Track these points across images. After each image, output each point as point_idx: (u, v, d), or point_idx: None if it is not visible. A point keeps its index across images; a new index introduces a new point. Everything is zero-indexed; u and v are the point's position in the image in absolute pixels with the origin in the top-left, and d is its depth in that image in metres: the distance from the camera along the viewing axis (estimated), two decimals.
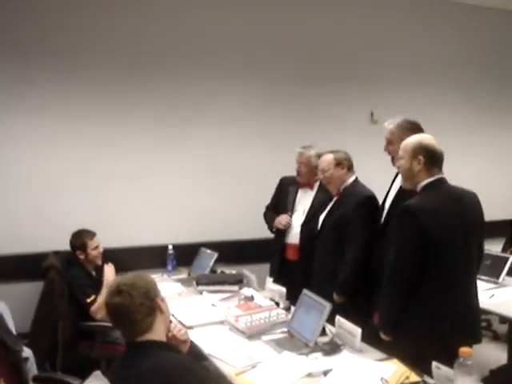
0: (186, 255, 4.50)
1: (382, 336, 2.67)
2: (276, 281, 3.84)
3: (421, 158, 2.59)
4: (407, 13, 5.54)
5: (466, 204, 2.59)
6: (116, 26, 4.47)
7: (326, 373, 2.43)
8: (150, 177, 4.63)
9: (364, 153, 4.26)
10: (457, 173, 5.59)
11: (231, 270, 4.31)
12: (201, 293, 3.88)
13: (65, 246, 3.99)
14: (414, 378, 2.32)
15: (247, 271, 4.06)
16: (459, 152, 5.73)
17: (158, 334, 2.01)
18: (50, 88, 4.31)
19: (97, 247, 3.96)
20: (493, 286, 3.91)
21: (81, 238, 3.92)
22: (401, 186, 3.06)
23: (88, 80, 4.41)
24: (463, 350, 2.01)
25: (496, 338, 4.95)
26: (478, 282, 3.85)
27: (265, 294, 3.67)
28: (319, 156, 3.87)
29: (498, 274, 3.96)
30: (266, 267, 4.31)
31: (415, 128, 3.19)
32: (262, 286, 3.88)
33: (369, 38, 5.37)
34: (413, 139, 2.67)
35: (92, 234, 3.96)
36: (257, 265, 4.40)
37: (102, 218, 4.37)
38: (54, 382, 2.79)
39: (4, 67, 4.15)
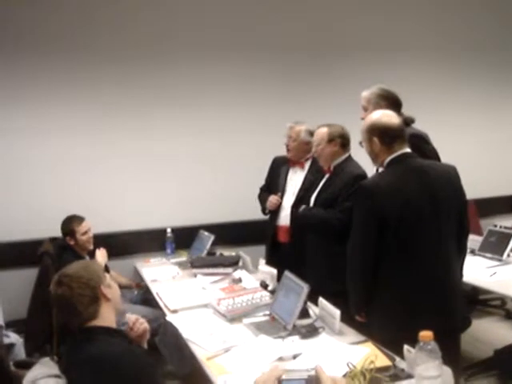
0: (185, 238, 4.50)
1: (357, 318, 2.58)
2: (269, 263, 3.77)
3: (375, 139, 2.48)
4: None
5: (432, 178, 2.45)
6: (106, 18, 4.44)
7: (295, 356, 2.37)
8: (148, 161, 4.61)
9: None
10: (464, 149, 5.56)
11: (231, 252, 4.27)
12: (195, 275, 3.85)
13: (60, 232, 4.00)
14: (384, 361, 2.23)
15: (243, 253, 4.01)
16: (458, 126, 5.58)
17: (105, 320, 1.99)
18: (40, 78, 4.31)
19: (86, 232, 3.95)
20: (496, 263, 3.76)
21: (69, 224, 3.93)
22: None
23: (75, 67, 4.38)
24: (423, 333, 1.91)
25: (509, 317, 4.78)
26: (481, 260, 3.82)
27: (258, 275, 3.62)
28: (310, 132, 3.77)
29: (502, 251, 3.81)
30: (264, 249, 4.25)
31: (389, 96, 3.12)
32: (257, 267, 3.82)
33: (375, 16, 5.23)
34: (365, 122, 2.56)
35: (80, 220, 3.96)
36: (257, 246, 4.34)
37: (99, 204, 4.39)
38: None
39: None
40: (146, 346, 2.25)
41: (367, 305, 2.50)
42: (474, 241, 4.11)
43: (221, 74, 4.78)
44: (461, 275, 2.62)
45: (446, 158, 5.31)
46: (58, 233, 4.02)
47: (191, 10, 4.67)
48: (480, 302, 4.91)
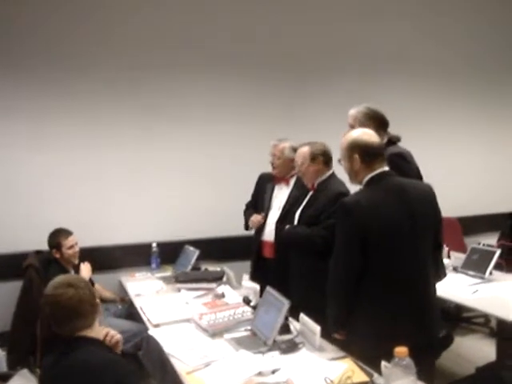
0: (171, 253, 4.51)
1: (335, 336, 2.59)
2: (253, 278, 3.79)
3: (356, 156, 2.51)
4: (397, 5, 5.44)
5: (410, 196, 2.48)
6: (106, 30, 4.50)
7: (274, 371, 2.38)
8: (135, 176, 4.63)
9: None
10: (453, 167, 5.61)
11: (216, 268, 4.28)
12: (179, 290, 3.86)
13: (46, 245, 4.00)
14: (362, 377, 2.25)
15: (227, 269, 4.02)
16: (457, 146, 5.65)
17: (95, 331, 2.05)
18: (31, 92, 4.33)
19: (72, 246, 3.96)
20: (479, 281, 3.78)
21: (56, 238, 3.93)
22: None
23: (72, 80, 4.42)
24: (398, 349, 1.94)
25: (492, 335, 4.80)
26: (464, 277, 3.83)
27: (241, 291, 3.63)
28: (294, 149, 3.80)
29: (484, 269, 3.83)
30: (249, 265, 4.26)
31: (375, 116, 3.17)
32: (241, 283, 3.83)
33: (365, 31, 5.33)
34: (346, 139, 2.58)
35: (67, 234, 3.96)
36: (242, 262, 4.35)
37: (86, 217, 4.40)
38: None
39: None
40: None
41: (346, 321, 2.51)
42: (457, 258, 4.16)
43: (209, 90, 4.83)
44: (435, 292, 2.64)
45: (432, 176, 5.41)
46: (43, 246, 4.02)
47: (186, 26, 4.72)
48: (464, 319, 4.94)
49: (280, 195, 4.07)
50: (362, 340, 2.44)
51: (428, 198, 2.56)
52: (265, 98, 5.01)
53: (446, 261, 4.06)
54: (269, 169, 4.17)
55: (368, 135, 2.56)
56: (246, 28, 4.94)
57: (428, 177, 5.41)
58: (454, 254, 4.26)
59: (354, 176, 2.58)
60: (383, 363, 2.16)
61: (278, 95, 5.05)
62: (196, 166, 4.79)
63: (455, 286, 3.68)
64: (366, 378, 2.25)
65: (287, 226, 3.62)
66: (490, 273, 3.84)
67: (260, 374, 2.39)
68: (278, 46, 5.04)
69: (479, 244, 4.51)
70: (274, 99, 5.02)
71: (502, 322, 3.45)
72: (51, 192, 4.39)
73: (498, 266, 4.07)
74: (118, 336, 2.19)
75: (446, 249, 4.33)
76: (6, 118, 4.27)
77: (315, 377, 2.24)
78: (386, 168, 2.54)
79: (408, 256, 2.43)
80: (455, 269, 4.05)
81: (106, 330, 2.26)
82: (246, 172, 4.48)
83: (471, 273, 3.89)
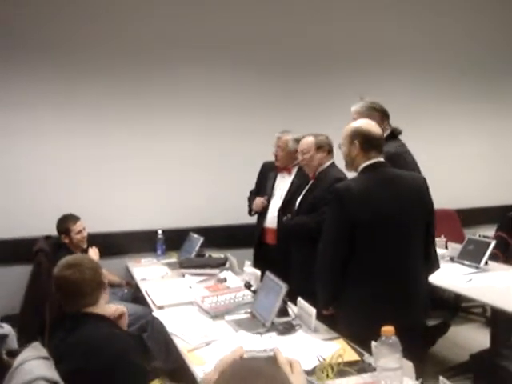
0: (176, 240, 4.64)
1: (324, 312, 2.73)
2: (255, 264, 3.93)
3: (356, 142, 2.62)
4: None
5: (402, 187, 2.60)
6: (106, 23, 4.63)
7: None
8: (141, 163, 4.78)
9: None
10: (453, 160, 5.69)
11: (220, 254, 4.40)
12: (183, 275, 3.99)
13: (55, 231, 4.14)
14: (353, 356, 2.37)
15: (230, 255, 4.15)
16: (458, 138, 5.73)
17: (101, 308, 2.16)
18: (39, 80, 4.49)
19: (80, 231, 4.09)
20: (473, 270, 3.88)
21: (64, 223, 4.07)
22: None
23: (76, 69, 4.56)
24: (385, 328, 2.06)
25: (489, 324, 4.90)
26: (460, 267, 3.94)
27: (243, 276, 3.76)
28: (297, 140, 3.93)
29: (479, 259, 3.93)
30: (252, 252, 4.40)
31: (379, 108, 3.30)
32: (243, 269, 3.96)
33: (358, 23, 5.40)
34: (350, 125, 2.71)
35: (75, 219, 4.10)
36: (245, 249, 4.46)
37: (93, 204, 4.55)
38: None
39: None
40: (125, 329, 2.40)
41: (334, 301, 2.65)
42: (454, 249, 4.26)
43: (212, 81, 4.96)
44: (426, 280, 2.76)
45: (433, 168, 5.50)
46: (52, 231, 4.17)
47: (188, 17, 4.85)
48: (462, 309, 5.05)
49: (282, 184, 4.20)
50: (350, 320, 2.58)
51: (420, 190, 2.67)
52: (266, 90, 5.12)
53: (443, 251, 4.21)
54: (271, 158, 4.30)
55: (371, 125, 2.68)
56: (247, 22, 5.05)
57: (429, 169, 5.52)
58: (451, 244, 4.36)
59: (350, 162, 2.70)
60: (373, 343, 2.27)
61: (280, 87, 5.15)
62: (200, 156, 4.92)
63: (451, 275, 3.78)
64: (357, 357, 2.37)
65: (284, 218, 3.75)
66: (486, 263, 3.93)
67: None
68: (278, 40, 5.14)
69: (478, 235, 4.61)
70: (276, 90, 5.13)
71: (495, 311, 3.57)
72: (59, 179, 4.54)
73: (494, 257, 4.19)
74: (123, 309, 2.32)
75: (443, 239, 4.45)
76: (11, 108, 4.43)
77: (309, 355, 2.36)
78: (382, 159, 2.65)
79: (395, 244, 2.55)
80: (452, 259, 4.15)
81: (111, 305, 2.39)
82: (249, 161, 4.63)
83: (467, 262, 3.99)
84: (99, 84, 4.63)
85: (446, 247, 4.38)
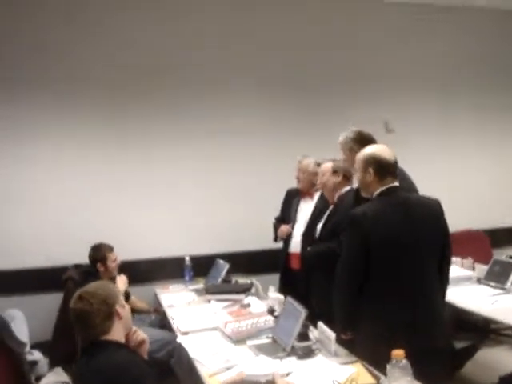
0: (204, 266, 4.72)
1: (342, 336, 2.77)
2: (281, 289, 3.98)
3: (371, 170, 2.68)
4: (414, 18, 5.58)
5: (416, 211, 2.64)
6: (121, 39, 4.79)
7: (288, 374, 2.55)
8: (168, 191, 4.90)
9: None
10: (476, 180, 5.65)
11: (246, 280, 4.46)
12: (209, 301, 4.06)
13: (84, 259, 4.25)
14: (369, 380, 2.40)
15: (255, 281, 4.21)
16: (470, 157, 5.70)
17: (115, 335, 2.24)
18: (66, 109, 4.69)
19: (115, 260, 4.20)
20: (500, 291, 3.85)
21: (101, 251, 4.16)
22: None
23: (98, 96, 4.75)
24: (395, 352, 2.09)
25: None
26: (486, 289, 3.92)
27: (268, 302, 3.82)
28: (318, 164, 4.01)
29: (505, 280, 3.91)
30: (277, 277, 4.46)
31: (362, 139, 3.31)
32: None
33: (377, 49, 5.47)
34: (364, 152, 2.76)
35: (111, 248, 4.21)
36: (271, 275, 4.52)
37: (121, 232, 4.66)
38: None
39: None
40: (145, 356, 2.47)
41: (352, 324, 2.69)
42: (481, 270, 4.24)
43: (239, 105, 5.09)
44: (443, 300, 2.78)
45: (459, 189, 5.48)
46: (81, 260, 4.29)
47: (192, 41, 4.97)
48: (492, 331, 4.97)
49: (305, 209, 4.28)
50: (367, 343, 2.60)
51: (434, 213, 2.71)
52: (293, 117, 5.22)
53: (470, 272, 4.19)
54: (294, 184, 4.38)
55: (384, 151, 2.73)
56: (265, 42, 5.16)
57: (457, 188, 5.53)
58: (478, 265, 4.34)
59: (365, 188, 2.76)
60: (388, 366, 2.30)
61: (304, 114, 5.23)
62: (226, 184, 5.03)
63: (476, 297, 3.77)
64: (373, 381, 2.40)
65: (308, 249, 3.79)
66: (511, 284, 3.91)
67: None
68: (299, 64, 5.25)
69: (504, 256, 4.57)
70: (299, 116, 5.21)
71: None
72: (87, 208, 4.70)
73: None
74: (143, 336, 2.39)
75: (470, 260, 4.43)
76: (35, 139, 4.63)
77: (324, 379, 2.41)
78: (397, 183, 2.70)
79: (409, 267, 2.59)
80: (478, 280, 4.13)
81: (134, 329, 2.47)
82: (273, 188, 4.71)
83: (492, 284, 3.96)
84: (121, 112, 4.81)
85: (474, 269, 4.35)
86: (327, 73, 5.33)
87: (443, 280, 2.77)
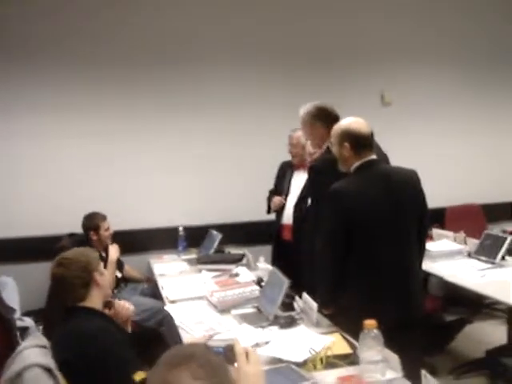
0: (197, 237, 4.75)
1: (323, 311, 2.78)
2: (274, 260, 4.01)
3: (346, 144, 2.66)
4: None
5: (394, 182, 2.63)
6: (116, 23, 4.78)
7: (267, 343, 2.58)
8: (162, 162, 4.92)
9: (376, 136, 4.31)
10: (473, 155, 5.61)
11: (239, 251, 4.49)
12: (200, 271, 4.10)
13: (79, 228, 4.28)
14: (346, 349, 2.43)
15: (247, 252, 4.24)
16: (467, 131, 5.65)
17: (91, 302, 2.28)
18: (59, 82, 4.70)
19: (108, 229, 4.23)
20: (489, 265, 3.84)
21: (94, 220, 4.19)
22: None
23: (97, 75, 4.75)
24: (367, 322, 2.11)
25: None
26: (476, 262, 3.92)
27: (257, 272, 3.84)
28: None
29: (495, 255, 3.89)
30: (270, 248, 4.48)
31: (323, 114, 3.29)
32: None
33: (375, 19, 5.40)
34: (339, 126, 2.74)
35: (104, 217, 4.23)
36: (263, 246, 4.55)
37: (116, 202, 4.69)
38: None
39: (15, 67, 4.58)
40: (129, 329, 2.52)
41: (334, 300, 2.71)
42: (473, 244, 4.23)
43: (231, 83, 5.07)
44: (420, 269, 2.79)
45: (455, 164, 5.46)
46: (75, 229, 4.32)
47: (190, 17, 4.94)
48: (486, 305, 4.99)
49: (298, 180, 4.27)
50: (348, 314, 2.62)
51: (413, 185, 2.71)
52: (285, 87, 5.18)
53: (461, 246, 4.19)
54: (288, 157, 4.37)
55: (360, 124, 2.70)
56: (264, 19, 5.12)
57: (454, 163, 5.50)
58: (470, 239, 4.33)
59: (343, 162, 2.74)
60: (360, 336, 2.32)
61: (297, 86, 5.16)
62: (219, 156, 5.03)
63: (465, 271, 3.76)
64: (349, 350, 2.42)
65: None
66: (503, 258, 3.90)
67: (257, 344, 2.59)
68: (294, 39, 5.20)
69: (503, 231, 4.57)
70: (293, 90, 5.14)
71: (511, 307, 3.53)
72: (82, 178, 4.73)
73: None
74: (130, 310, 2.43)
75: (462, 235, 4.42)
76: (37, 111, 4.65)
77: (302, 348, 2.43)
78: (374, 156, 2.69)
79: (391, 239, 2.60)
80: (469, 254, 4.12)
81: (122, 302, 2.52)
82: (266, 160, 4.71)
83: (483, 258, 3.95)
84: (119, 87, 4.82)
85: (465, 243, 4.35)
86: (324, 43, 5.27)
87: (421, 249, 2.78)
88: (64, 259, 2.29)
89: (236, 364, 1.45)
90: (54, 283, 2.28)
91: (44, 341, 2.15)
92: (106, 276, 2.39)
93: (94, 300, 2.29)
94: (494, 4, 5.75)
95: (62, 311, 3.84)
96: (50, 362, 2.00)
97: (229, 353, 1.55)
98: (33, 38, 4.58)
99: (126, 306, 2.51)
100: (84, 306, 2.25)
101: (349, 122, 2.74)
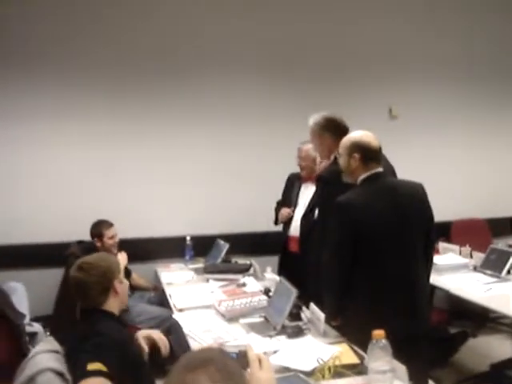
0: (204, 246, 4.78)
1: (332, 323, 2.81)
2: (280, 272, 4.04)
3: (356, 155, 2.71)
4: (421, 8, 5.58)
5: (401, 196, 2.67)
6: (127, 27, 4.85)
7: (275, 352, 2.61)
8: (171, 171, 4.97)
9: (383, 149, 4.35)
10: (477, 169, 5.64)
11: (246, 261, 4.51)
12: (207, 280, 4.13)
13: (87, 236, 4.35)
14: (353, 359, 2.45)
15: (254, 262, 4.27)
16: (473, 144, 5.68)
17: (111, 307, 2.30)
18: (63, 88, 4.76)
19: (113, 237, 4.28)
20: (494, 280, 3.86)
21: (98, 227, 4.27)
22: None
23: (105, 80, 4.82)
24: (376, 332, 2.13)
25: None
26: (481, 276, 3.94)
27: (264, 282, 3.88)
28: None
29: (500, 269, 3.92)
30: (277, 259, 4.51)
31: (332, 125, 3.34)
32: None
33: (387, 37, 5.46)
34: (349, 138, 2.79)
35: (109, 225, 4.29)
36: (271, 256, 4.57)
37: (125, 211, 4.74)
38: None
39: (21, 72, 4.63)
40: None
41: (341, 311, 2.73)
42: (479, 258, 4.26)
43: (240, 94, 5.13)
44: (428, 283, 2.82)
45: (461, 177, 5.47)
46: (84, 237, 4.37)
47: (200, 25, 5.01)
48: (491, 319, 5.00)
49: (306, 193, 4.30)
50: (355, 326, 2.65)
51: (419, 198, 2.75)
52: (294, 100, 5.22)
53: (466, 260, 4.21)
54: (296, 169, 4.41)
55: (370, 137, 2.76)
56: (276, 32, 5.18)
57: (459, 177, 5.52)
58: (475, 253, 4.36)
59: (349, 173, 2.79)
60: (369, 346, 2.35)
61: (306, 98, 5.20)
62: (228, 167, 5.09)
63: (471, 284, 3.79)
64: (356, 360, 2.44)
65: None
66: (508, 272, 3.92)
67: (265, 353, 2.60)
68: (304, 52, 5.28)
69: (509, 246, 4.59)
70: (302, 103, 5.17)
71: None
72: (92, 186, 4.79)
73: None
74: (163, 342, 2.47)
75: (468, 249, 4.45)
76: (42, 119, 4.71)
77: (310, 357, 2.45)
78: (381, 169, 2.73)
79: (397, 252, 2.63)
80: (475, 268, 4.15)
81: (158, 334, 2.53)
82: (275, 171, 4.75)
83: (488, 272, 3.98)
84: (127, 94, 4.88)
85: (471, 256, 4.38)
86: (335, 57, 5.34)
87: (429, 263, 2.81)
88: (85, 263, 2.31)
89: (249, 370, 1.48)
90: (74, 287, 2.30)
91: (56, 346, 2.18)
92: (125, 285, 2.41)
93: (111, 307, 2.31)
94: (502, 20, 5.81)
95: (73, 316, 3.91)
96: (62, 366, 2.03)
97: (242, 358, 1.58)
98: (33, 39, 4.63)
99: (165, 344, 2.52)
100: (101, 309, 2.28)
101: (360, 134, 2.79)
